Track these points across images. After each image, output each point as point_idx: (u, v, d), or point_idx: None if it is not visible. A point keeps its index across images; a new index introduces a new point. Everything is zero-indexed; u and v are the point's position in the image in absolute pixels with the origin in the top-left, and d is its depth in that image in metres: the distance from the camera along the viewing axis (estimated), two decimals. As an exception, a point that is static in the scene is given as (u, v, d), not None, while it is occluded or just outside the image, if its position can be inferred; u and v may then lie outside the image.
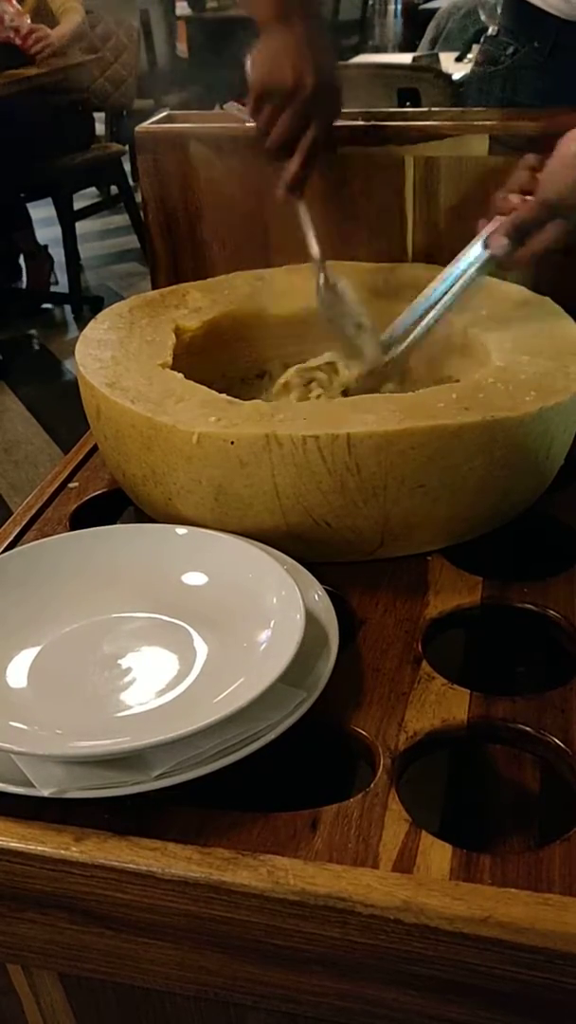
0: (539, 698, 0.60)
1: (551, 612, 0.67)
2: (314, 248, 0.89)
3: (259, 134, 0.89)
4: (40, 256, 3.54)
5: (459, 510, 0.71)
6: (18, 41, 3.12)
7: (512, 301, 0.86)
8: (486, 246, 0.79)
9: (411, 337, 0.83)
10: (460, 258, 0.82)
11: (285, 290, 0.93)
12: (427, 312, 0.83)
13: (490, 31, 1.22)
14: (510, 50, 1.16)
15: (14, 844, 0.52)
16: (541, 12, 1.10)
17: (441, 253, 0.99)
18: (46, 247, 3.55)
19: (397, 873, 0.49)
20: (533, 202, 0.75)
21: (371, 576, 0.71)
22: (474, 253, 0.81)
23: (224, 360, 0.90)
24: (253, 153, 1.00)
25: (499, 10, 1.21)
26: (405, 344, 0.83)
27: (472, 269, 0.81)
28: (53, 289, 3.57)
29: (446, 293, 0.82)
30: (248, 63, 0.88)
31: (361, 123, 1.02)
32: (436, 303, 0.82)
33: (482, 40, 1.25)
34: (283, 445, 0.66)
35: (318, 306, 0.87)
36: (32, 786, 0.53)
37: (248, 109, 0.90)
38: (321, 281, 0.87)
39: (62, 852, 0.52)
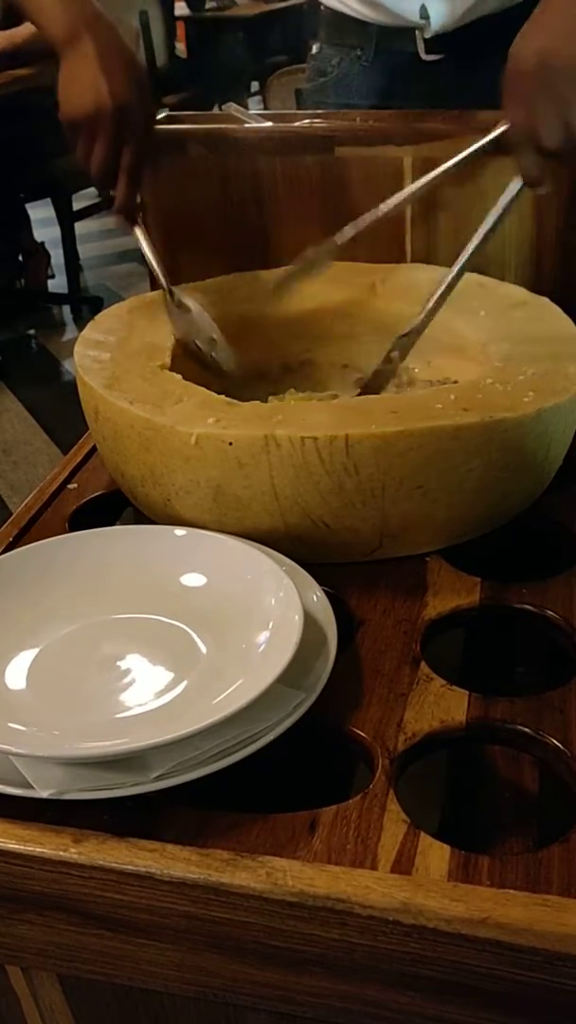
0: (538, 699, 0.60)
1: (550, 613, 0.67)
2: (158, 273, 0.88)
3: (83, 165, 0.88)
4: (38, 254, 3.53)
5: (458, 511, 0.71)
6: None
7: (511, 301, 0.86)
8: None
9: (460, 263, 0.81)
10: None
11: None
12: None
13: (313, 50, 1.29)
14: (335, 60, 1.23)
15: (13, 845, 0.52)
16: (359, 23, 1.18)
17: (439, 253, 1.00)
18: (43, 244, 3.55)
19: (396, 874, 0.49)
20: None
21: (370, 577, 0.71)
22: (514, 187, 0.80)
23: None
24: (252, 154, 1.00)
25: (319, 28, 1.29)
26: (451, 277, 0.81)
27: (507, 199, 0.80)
28: (50, 285, 3.57)
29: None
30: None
31: (359, 123, 1.02)
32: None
33: (307, 59, 1.33)
34: (282, 446, 0.66)
35: (172, 329, 0.86)
36: (31, 787, 0.53)
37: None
38: (171, 304, 0.87)
39: (61, 853, 0.52)
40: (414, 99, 1.13)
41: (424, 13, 1.13)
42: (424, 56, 1.16)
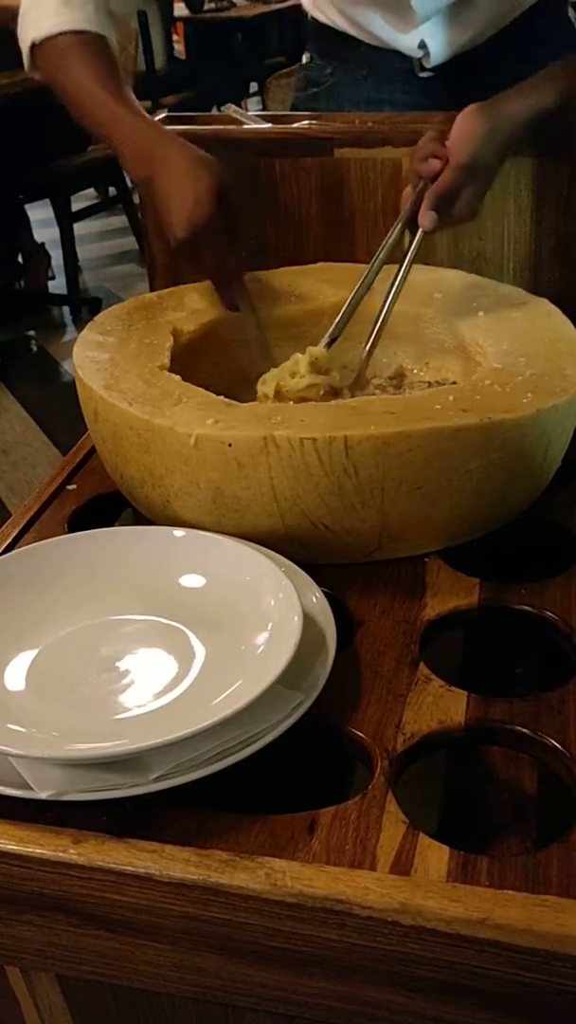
0: (536, 700, 0.60)
1: (548, 614, 0.68)
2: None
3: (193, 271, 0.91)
4: (38, 254, 3.53)
5: (456, 512, 0.71)
6: None
7: (509, 302, 0.87)
8: (415, 225, 0.84)
9: (371, 338, 0.85)
10: (387, 243, 0.86)
11: (282, 292, 0.93)
12: (380, 311, 0.85)
13: (304, 59, 1.29)
14: (328, 70, 1.23)
15: (12, 846, 0.52)
16: (352, 40, 1.17)
17: (438, 255, 1.00)
18: (42, 245, 3.55)
19: (394, 875, 0.49)
20: (449, 169, 0.81)
21: (369, 578, 0.71)
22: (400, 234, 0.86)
23: (222, 362, 0.90)
24: (251, 155, 1.00)
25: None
26: (368, 346, 0.85)
27: (411, 251, 0.85)
28: (50, 286, 3.57)
29: (393, 283, 0.85)
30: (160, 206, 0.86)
31: (358, 125, 1.02)
32: (386, 298, 0.84)
33: (297, 68, 1.33)
34: (281, 447, 0.66)
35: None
36: (30, 788, 0.53)
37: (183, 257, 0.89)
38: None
39: (60, 854, 0.52)
40: (409, 110, 1.13)
41: (423, 46, 1.12)
42: (420, 73, 1.16)
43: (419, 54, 1.13)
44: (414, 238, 0.85)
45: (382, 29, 1.13)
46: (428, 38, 1.11)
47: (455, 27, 1.11)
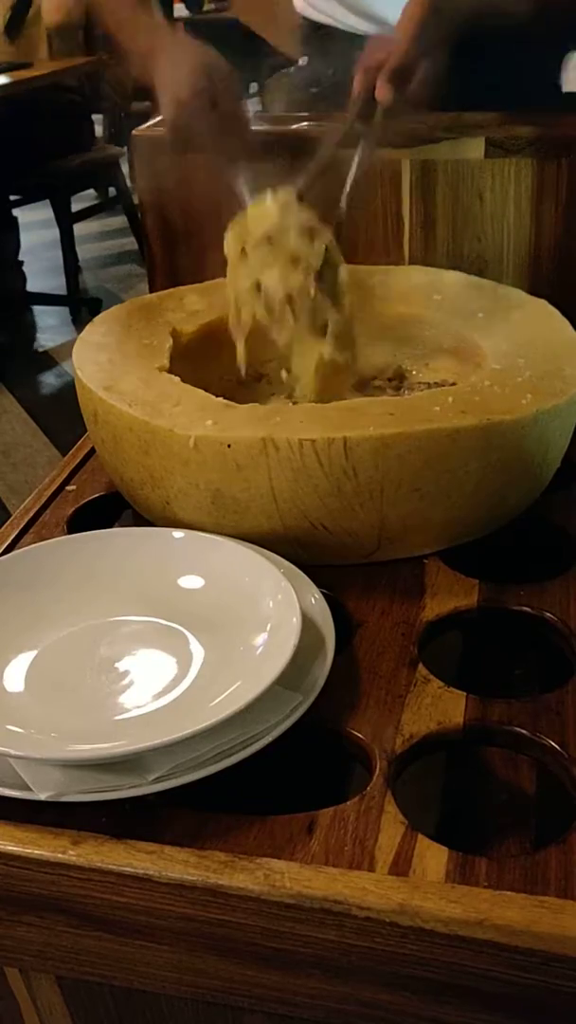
0: (535, 701, 0.60)
1: (547, 615, 0.68)
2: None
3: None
4: (11, 271, 3.53)
5: (455, 513, 0.71)
6: None
7: (508, 303, 0.87)
8: (371, 100, 0.83)
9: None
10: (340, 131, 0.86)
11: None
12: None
13: (300, 61, 1.27)
14: (330, 71, 1.20)
15: (11, 848, 0.52)
16: (351, 35, 1.15)
17: (437, 256, 1.00)
18: (21, 264, 3.55)
19: (393, 876, 0.49)
20: (400, 44, 0.81)
21: (368, 579, 0.71)
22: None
23: (221, 363, 0.90)
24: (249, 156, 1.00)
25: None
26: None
27: (373, 128, 0.84)
28: (50, 286, 3.57)
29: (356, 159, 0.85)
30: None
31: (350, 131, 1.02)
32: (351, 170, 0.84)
33: (295, 68, 1.31)
34: (280, 449, 0.66)
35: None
36: (29, 789, 0.53)
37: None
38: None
39: (59, 855, 0.52)
40: None
41: None
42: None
43: None
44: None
45: (384, 6, 1.12)
46: None
47: None
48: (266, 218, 0.80)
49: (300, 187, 0.83)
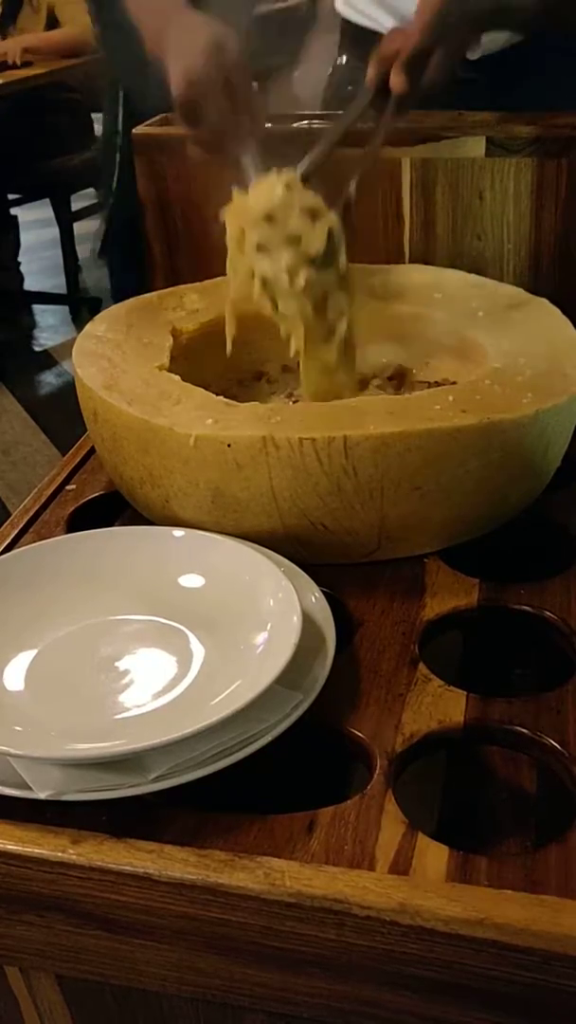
0: (535, 700, 0.60)
1: (548, 614, 0.68)
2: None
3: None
4: (8, 272, 3.53)
5: (456, 512, 0.71)
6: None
7: (508, 302, 0.87)
8: (387, 89, 0.82)
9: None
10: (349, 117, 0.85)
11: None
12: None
13: (338, 61, 1.26)
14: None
15: (11, 847, 0.52)
16: None
17: (438, 254, 1.00)
18: (19, 264, 3.55)
19: (393, 875, 0.49)
20: (415, 32, 0.80)
21: (368, 578, 0.71)
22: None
23: (221, 362, 0.89)
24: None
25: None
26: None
27: (386, 116, 0.83)
28: (50, 285, 3.57)
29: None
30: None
31: (359, 124, 1.02)
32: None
33: (331, 71, 1.29)
34: (280, 448, 0.66)
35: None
36: (29, 788, 0.53)
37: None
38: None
39: (59, 854, 0.52)
40: None
41: None
42: (461, 74, 1.13)
43: None
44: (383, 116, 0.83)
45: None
46: None
47: None
48: (268, 196, 0.78)
49: (304, 169, 0.82)
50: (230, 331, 0.83)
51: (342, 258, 0.80)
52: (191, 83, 0.82)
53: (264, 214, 0.77)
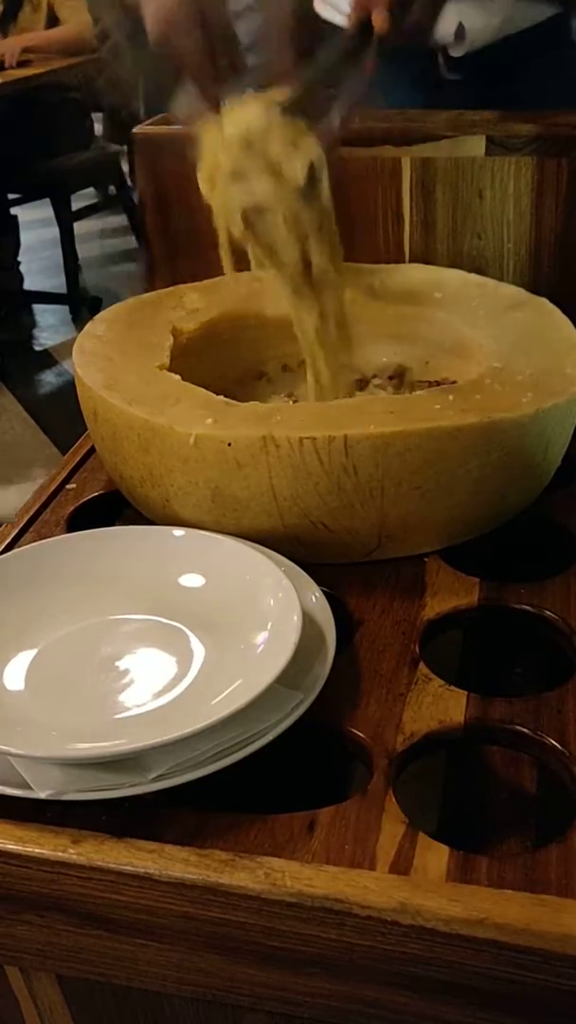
0: (536, 699, 0.60)
1: (548, 613, 0.68)
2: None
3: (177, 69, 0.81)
4: (8, 272, 3.53)
5: (456, 512, 0.71)
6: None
7: (508, 302, 0.86)
8: (368, 27, 0.77)
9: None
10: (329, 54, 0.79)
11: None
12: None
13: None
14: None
15: (11, 846, 0.52)
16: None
17: (438, 254, 1.00)
18: (19, 263, 3.55)
19: (394, 875, 0.49)
20: None
21: (368, 577, 0.71)
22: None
23: (222, 361, 0.90)
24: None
25: None
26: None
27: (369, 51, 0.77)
28: (50, 285, 3.57)
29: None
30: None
31: (359, 123, 1.02)
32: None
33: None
34: (280, 447, 0.66)
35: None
36: (29, 788, 0.53)
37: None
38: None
39: (59, 854, 0.52)
40: None
41: (460, 32, 1.06)
42: (447, 75, 1.10)
43: (451, 41, 1.07)
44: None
45: None
46: (465, 18, 1.05)
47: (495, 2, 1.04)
48: (245, 119, 0.72)
49: (285, 100, 0.74)
50: (227, 268, 0.80)
51: (325, 192, 0.75)
52: (166, 24, 0.79)
53: (241, 139, 0.72)
